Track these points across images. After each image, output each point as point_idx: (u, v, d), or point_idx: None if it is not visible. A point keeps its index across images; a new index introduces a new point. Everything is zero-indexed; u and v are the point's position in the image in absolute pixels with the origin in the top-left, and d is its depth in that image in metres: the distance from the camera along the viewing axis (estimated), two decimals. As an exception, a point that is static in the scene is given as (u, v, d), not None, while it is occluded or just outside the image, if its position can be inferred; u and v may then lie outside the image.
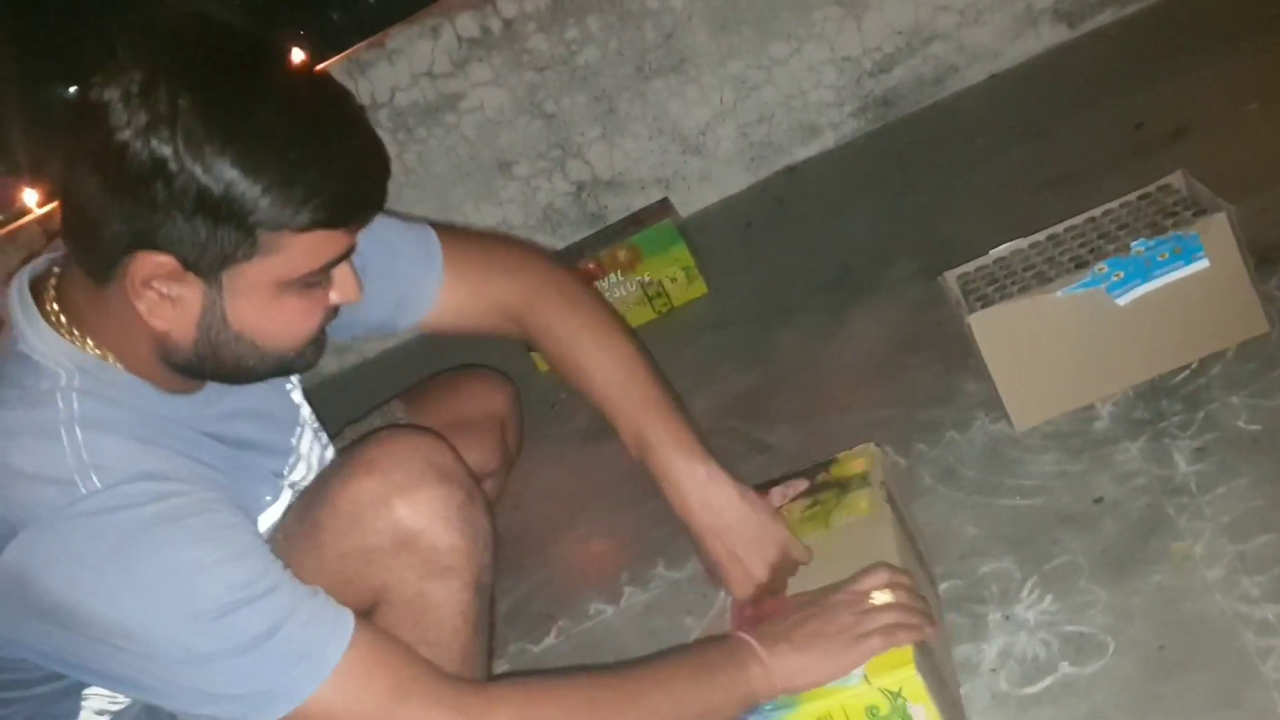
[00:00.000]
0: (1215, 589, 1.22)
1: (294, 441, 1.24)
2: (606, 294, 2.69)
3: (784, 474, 1.44)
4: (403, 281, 1.28)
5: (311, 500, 1.15)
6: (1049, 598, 1.32)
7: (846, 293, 2.32)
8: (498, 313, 1.32)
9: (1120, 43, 2.87)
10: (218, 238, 0.93)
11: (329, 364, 3.21)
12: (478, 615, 1.18)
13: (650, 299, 2.70)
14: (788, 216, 2.98)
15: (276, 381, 1.21)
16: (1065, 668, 1.22)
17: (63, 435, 0.95)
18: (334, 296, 1.05)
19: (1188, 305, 1.51)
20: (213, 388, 1.10)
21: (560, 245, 3.19)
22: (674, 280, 2.69)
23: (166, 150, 0.89)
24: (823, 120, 3.17)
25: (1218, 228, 1.49)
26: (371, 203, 1.01)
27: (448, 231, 1.33)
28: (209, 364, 1.03)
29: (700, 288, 2.70)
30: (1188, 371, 1.54)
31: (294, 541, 1.05)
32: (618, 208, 3.23)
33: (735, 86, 3.15)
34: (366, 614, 1.10)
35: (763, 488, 1.37)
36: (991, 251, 1.70)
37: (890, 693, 1.10)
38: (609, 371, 1.28)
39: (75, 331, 1.01)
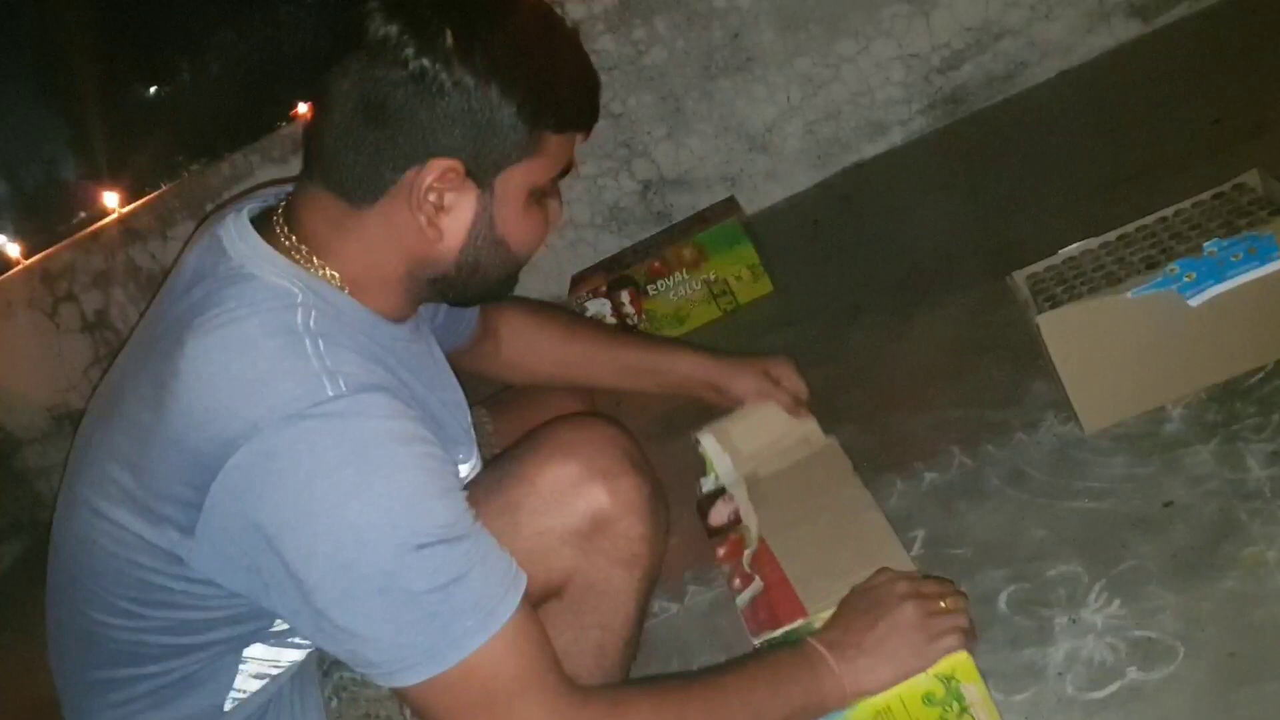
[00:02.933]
0: (1288, 596, 1.20)
1: (464, 401, 1.30)
2: (671, 292, 2.71)
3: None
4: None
5: (503, 479, 1.19)
6: (1117, 602, 1.31)
7: (914, 291, 2.31)
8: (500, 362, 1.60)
9: (1196, 37, 2.81)
10: (499, 142, 1.04)
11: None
12: (646, 604, 1.26)
13: (715, 297, 2.71)
14: (855, 214, 2.97)
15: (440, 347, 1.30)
16: (1133, 673, 1.21)
17: (305, 340, 0.99)
18: (551, 218, 1.16)
19: (1262, 306, 1.48)
20: (411, 326, 1.18)
21: (626, 243, 3.20)
22: (739, 279, 2.69)
23: (467, 69, 1.00)
24: (890, 118, 3.16)
25: (1294, 228, 1.46)
26: (598, 112, 1.15)
27: None
28: (464, 275, 1.12)
29: (766, 286, 2.70)
30: (1262, 374, 1.52)
31: (486, 519, 1.06)
32: (683, 206, 3.24)
33: (802, 84, 3.14)
34: (554, 592, 1.18)
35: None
36: (1061, 251, 1.69)
37: (944, 677, 1.14)
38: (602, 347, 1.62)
39: (311, 257, 1.08)
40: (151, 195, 3.75)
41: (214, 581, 1.01)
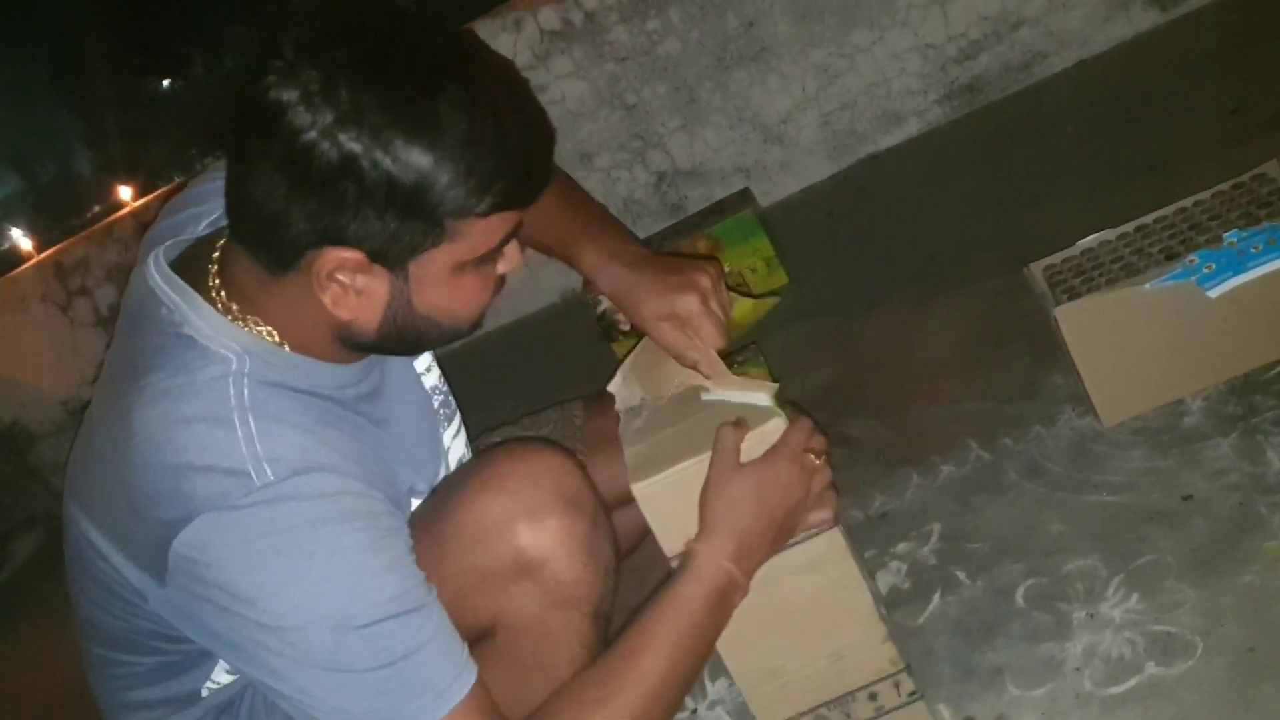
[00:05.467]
0: (1310, 590, 1.19)
1: (434, 421, 1.26)
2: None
3: None
4: None
5: (438, 509, 1.14)
6: (1135, 596, 1.30)
7: (930, 284, 2.29)
8: None
9: (1215, 26, 2.79)
10: (407, 229, 0.95)
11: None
12: (595, 643, 1.16)
13: (730, 290, 2.69)
14: (870, 206, 2.96)
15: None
16: (1151, 668, 1.21)
17: (236, 425, 0.97)
18: (502, 268, 1.07)
19: (1283, 298, 1.47)
20: (362, 364, 1.12)
21: (640, 236, 3.19)
22: (755, 271, 2.68)
23: (356, 147, 0.90)
24: (906, 108, 3.14)
25: (1315, 218, 1.45)
26: (546, 178, 1.02)
27: None
28: (391, 344, 1.06)
29: (781, 278, 2.69)
30: (1282, 366, 1.51)
31: (418, 549, 1.04)
32: (698, 198, 3.23)
33: (817, 75, 3.12)
34: (483, 635, 1.12)
35: None
36: (1079, 243, 1.67)
37: None
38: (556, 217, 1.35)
39: (244, 315, 1.03)
40: (165, 188, 3.75)
41: (176, 629, 1.04)
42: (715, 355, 1.25)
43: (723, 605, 1.12)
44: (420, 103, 0.92)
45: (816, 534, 1.19)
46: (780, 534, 1.15)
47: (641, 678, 1.06)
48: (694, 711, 1.46)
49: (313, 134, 0.90)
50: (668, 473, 1.15)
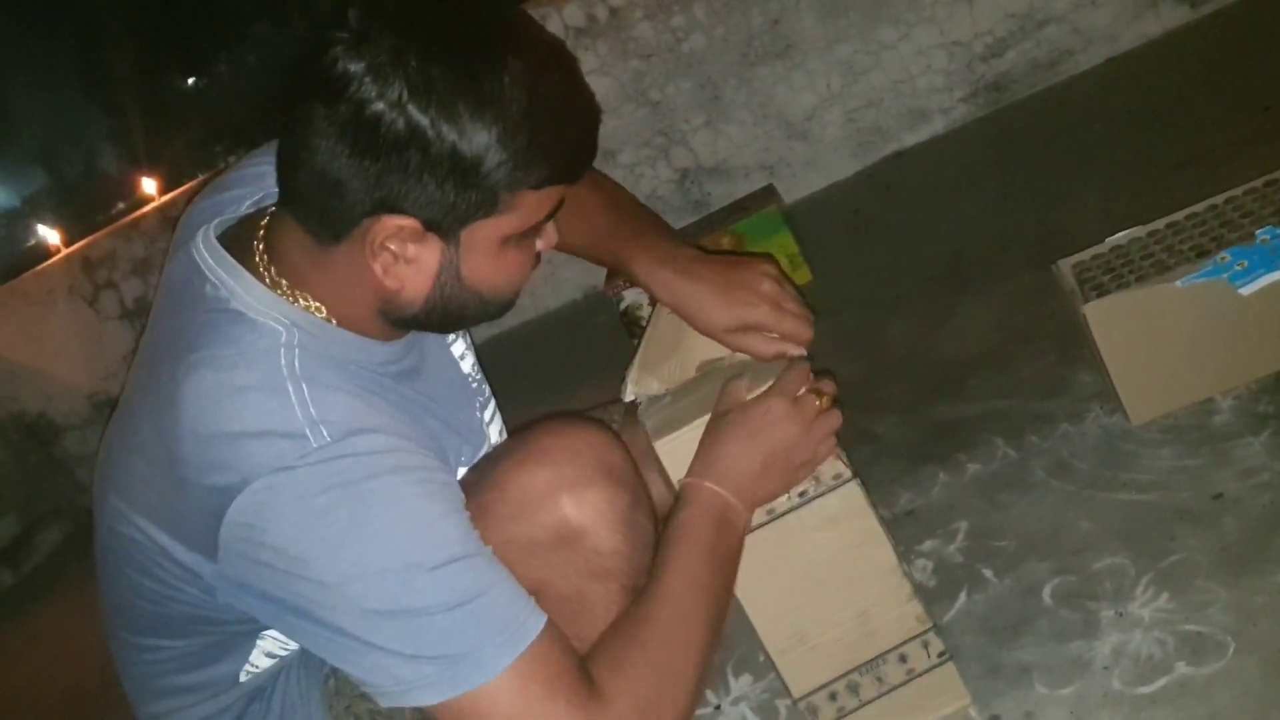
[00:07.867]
0: (1343, 591, 1.18)
1: (472, 401, 1.28)
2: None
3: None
4: None
5: (481, 480, 1.16)
6: (1165, 595, 1.29)
7: (956, 281, 2.29)
8: None
9: (1245, 22, 2.77)
10: (464, 199, 0.98)
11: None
12: None
13: (755, 287, 2.69)
14: (896, 203, 2.94)
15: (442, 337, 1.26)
16: (1182, 668, 1.19)
17: (289, 391, 0.98)
18: (540, 244, 1.10)
19: (1316, 296, 1.45)
20: (403, 344, 1.14)
21: (665, 232, 3.19)
22: (779, 268, 2.67)
23: (424, 119, 0.93)
24: (932, 105, 3.13)
25: (1350, 215, 1.43)
26: (593, 154, 1.06)
27: None
28: (435, 316, 1.07)
29: (805, 275, 2.68)
30: (1315, 364, 1.49)
31: None
32: (721, 195, 3.23)
33: (843, 72, 3.11)
34: None
35: None
36: (1109, 239, 1.66)
37: None
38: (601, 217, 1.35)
39: (293, 290, 1.05)
40: (190, 184, 3.78)
41: (231, 605, 1.03)
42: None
43: (725, 524, 1.15)
44: (485, 77, 0.95)
45: (835, 488, 1.21)
46: (774, 466, 1.17)
47: (672, 598, 1.09)
48: (717, 707, 1.46)
49: (381, 104, 0.92)
50: (686, 429, 1.20)
